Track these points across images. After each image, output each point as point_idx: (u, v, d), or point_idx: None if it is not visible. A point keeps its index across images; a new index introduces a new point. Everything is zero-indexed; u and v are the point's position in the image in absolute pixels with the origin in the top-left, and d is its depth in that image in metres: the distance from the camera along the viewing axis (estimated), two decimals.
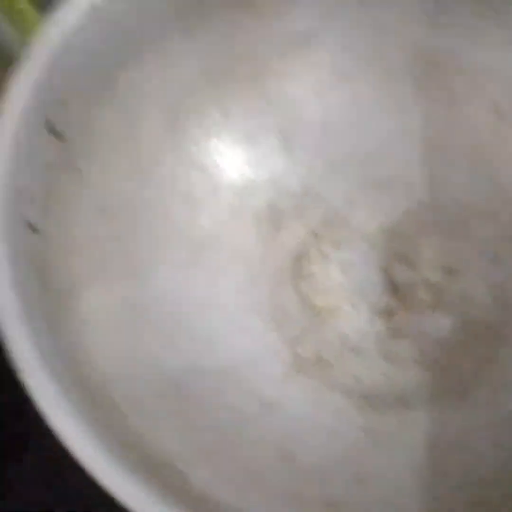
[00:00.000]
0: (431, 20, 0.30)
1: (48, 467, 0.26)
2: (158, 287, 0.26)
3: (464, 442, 0.23)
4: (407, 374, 0.26)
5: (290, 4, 0.30)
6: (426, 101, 0.31)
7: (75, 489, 0.24)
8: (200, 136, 0.29)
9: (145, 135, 0.27)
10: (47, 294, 0.20)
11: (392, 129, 0.31)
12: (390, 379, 0.26)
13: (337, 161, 0.31)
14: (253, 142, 0.30)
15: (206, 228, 0.29)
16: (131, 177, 0.26)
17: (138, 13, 0.25)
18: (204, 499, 0.18)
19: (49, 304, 0.19)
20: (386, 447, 0.24)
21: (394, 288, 0.29)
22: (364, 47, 0.31)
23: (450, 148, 0.31)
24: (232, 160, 0.30)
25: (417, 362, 0.26)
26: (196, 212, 0.29)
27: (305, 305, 0.28)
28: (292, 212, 0.30)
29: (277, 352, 0.27)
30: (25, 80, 0.21)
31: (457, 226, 0.30)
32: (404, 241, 0.30)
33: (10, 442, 0.27)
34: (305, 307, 0.28)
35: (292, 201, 0.30)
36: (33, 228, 0.21)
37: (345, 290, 0.29)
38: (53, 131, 0.22)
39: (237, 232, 0.29)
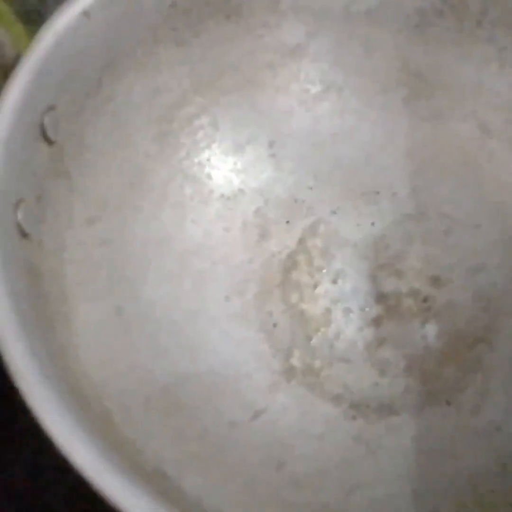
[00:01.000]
0: (417, 36, 0.30)
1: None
2: (148, 295, 0.26)
3: (449, 448, 0.23)
4: (395, 381, 0.26)
5: (278, 17, 0.30)
6: (412, 114, 0.31)
7: None
8: (191, 147, 0.30)
9: (135, 144, 0.27)
10: (39, 300, 0.20)
11: (378, 140, 0.31)
12: (379, 387, 0.26)
13: (324, 171, 0.31)
14: (242, 153, 0.31)
15: (195, 236, 0.29)
16: (121, 185, 0.26)
17: (129, 21, 0.25)
18: (199, 505, 0.18)
19: (41, 309, 0.19)
20: (376, 455, 0.24)
21: (381, 297, 0.29)
22: (352, 60, 0.31)
23: (436, 161, 0.31)
24: (221, 170, 0.30)
25: (405, 370, 0.27)
26: (185, 221, 0.29)
27: (294, 314, 0.28)
28: (280, 221, 0.30)
29: (267, 361, 0.27)
30: (18, 85, 0.21)
31: (442, 236, 0.30)
32: (391, 250, 0.30)
33: None
34: (294, 316, 0.28)
35: (280, 210, 0.30)
36: (23, 233, 0.20)
37: (334, 299, 0.29)
38: (44, 136, 0.22)
39: (225, 240, 0.29)
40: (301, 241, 0.30)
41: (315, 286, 0.29)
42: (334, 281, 0.29)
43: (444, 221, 0.30)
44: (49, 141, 0.23)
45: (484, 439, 0.24)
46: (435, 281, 0.29)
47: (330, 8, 0.29)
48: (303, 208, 0.31)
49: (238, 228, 0.30)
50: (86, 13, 0.23)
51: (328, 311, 0.29)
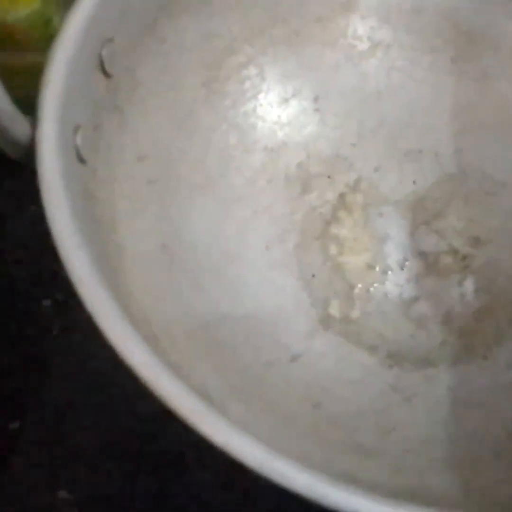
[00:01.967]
0: None
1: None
2: (191, 235, 0.26)
3: (484, 400, 0.23)
4: (432, 335, 0.27)
5: None
6: (459, 74, 0.31)
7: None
8: (237, 96, 0.30)
9: (185, 88, 0.28)
10: (94, 224, 0.20)
11: (424, 100, 0.31)
12: (416, 339, 0.26)
13: (368, 128, 0.31)
14: (287, 105, 0.31)
15: (237, 184, 0.29)
16: (169, 127, 0.27)
17: None
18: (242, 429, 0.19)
19: (95, 231, 0.20)
20: (411, 402, 0.24)
21: (420, 254, 0.29)
22: (401, 18, 0.31)
23: (481, 122, 0.31)
24: (265, 121, 0.30)
25: (442, 324, 0.27)
26: (229, 168, 0.29)
27: (332, 266, 0.29)
28: (322, 176, 0.30)
29: (305, 308, 0.27)
30: (80, 13, 0.21)
31: (485, 197, 0.30)
32: (432, 209, 0.30)
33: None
34: (332, 268, 0.29)
35: (322, 164, 0.30)
36: (81, 158, 0.21)
37: (373, 253, 0.29)
38: (102, 68, 0.22)
39: (267, 191, 0.29)
40: (342, 196, 0.30)
41: (354, 240, 0.29)
42: (374, 237, 0.29)
43: (486, 182, 0.30)
44: (106, 74, 0.23)
45: None
46: (475, 241, 0.29)
47: None
48: (345, 164, 0.31)
49: (281, 180, 0.30)
50: None
51: (367, 265, 0.29)
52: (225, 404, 0.20)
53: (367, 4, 0.31)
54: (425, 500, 0.19)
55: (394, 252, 0.29)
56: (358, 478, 0.19)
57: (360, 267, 0.29)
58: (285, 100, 0.31)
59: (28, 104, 0.21)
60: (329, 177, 0.31)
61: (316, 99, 0.31)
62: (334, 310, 0.27)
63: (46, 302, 0.30)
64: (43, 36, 0.29)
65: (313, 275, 0.28)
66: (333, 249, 0.29)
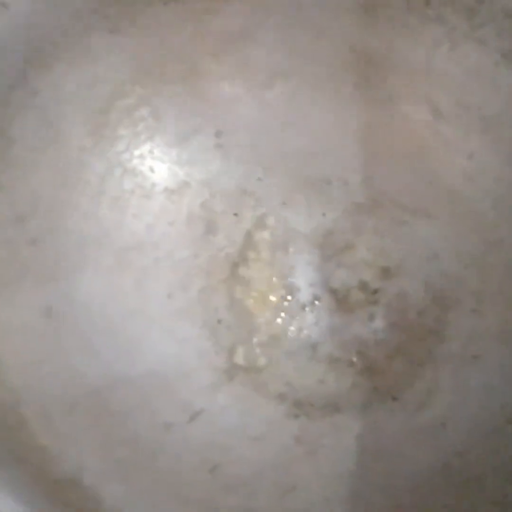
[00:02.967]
0: (366, 19, 0.29)
1: None
2: (82, 295, 0.25)
3: (392, 446, 0.22)
4: (341, 378, 0.26)
5: (221, 1, 0.29)
6: (364, 100, 0.30)
7: None
8: (131, 139, 0.29)
9: (68, 138, 0.26)
10: None
11: (329, 128, 0.30)
12: (324, 384, 0.26)
13: (273, 161, 0.30)
14: (187, 144, 0.30)
15: (136, 231, 0.28)
16: (53, 181, 0.25)
17: (53, 10, 0.24)
18: None
19: None
20: (316, 455, 0.23)
21: (330, 290, 0.28)
22: (300, 45, 0.30)
23: (388, 148, 0.30)
24: (164, 162, 0.29)
25: (352, 366, 0.26)
26: (125, 216, 0.28)
27: (240, 310, 0.28)
28: (228, 214, 0.29)
29: (209, 359, 0.26)
30: None
31: (394, 226, 0.29)
32: (342, 242, 0.29)
33: None
34: (240, 313, 0.28)
35: (227, 202, 0.30)
36: None
37: (281, 294, 0.28)
38: None
39: (169, 235, 0.28)
40: (249, 234, 0.29)
41: (262, 281, 0.28)
42: (282, 275, 0.28)
43: (396, 210, 0.29)
44: None
45: (428, 437, 0.23)
46: (386, 272, 0.28)
47: None
48: (251, 200, 0.30)
49: (183, 222, 0.29)
50: (3, 4, 0.22)
51: (275, 306, 0.28)
52: (100, 487, 0.19)
53: (262, 35, 0.30)
54: None
55: (303, 291, 0.28)
56: None
57: (268, 308, 0.28)
58: (185, 138, 0.30)
59: None
60: (235, 214, 0.30)
61: (217, 134, 0.30)
62: (240, 358, 0.26)
63: None
64: None
65: (219, 321, 0.27)
66: (239, 292, 0.28)
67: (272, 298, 0.28)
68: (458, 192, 0.29)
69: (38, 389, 0.21)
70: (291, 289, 0.28)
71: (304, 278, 0.29)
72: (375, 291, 0.28)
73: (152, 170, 0.29)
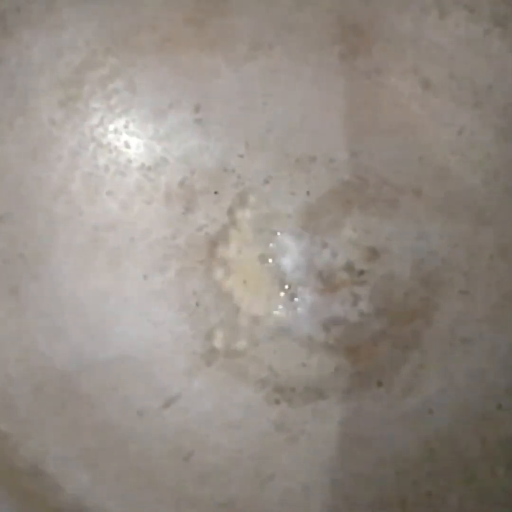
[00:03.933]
0: None
1: None
2: (51, 274, 0.24)
3: (376, 433, 0.21)
4: (324, 362, 0.24)
5: None
6: (349, 72, 0.29)
7: None
8: (105, 113, 0.27)
9: (38, 110, 0.25)
10: None
11: (314, 102, 0.29)
12: (306, 368, 0.24)
13: (255, 137, 0.29)
14: (164, 118, 0.28)
15: (110, 210, 0.27)
16: (20, 155, 0.24)
17: None
18: (74, 507, 0.17)
19: None
20: (297, 442, 0.22)
21: (315, 271, 0.27)
22: (283, 14, 0.29)
23: (376, 122, 0.29)
24: (140, 137, 0.28)
25: (335, 349, 0.25)
26: (99, 194, 0.26)
27: (218, 291, 0.26)
28: (208, 192, 0.28)
29: (186, 343, 0.25)
30: None
31: (381, 204, 0.28)
32: (327, 221, 0.28)
33: None
34: (219, 295, 0.26)
35: (207, 180, 0.28)
36: None
37: (262, 275, 0.27)
38: None
39: (145, 214, 0.27)
40: (230, 213, 0.28)
41: (243, 262, 0.27)
42: (264, 256, 0.27)
43: (384, 187, 0.28)
44: None
45: (414, 423, 0.22)
46: (372, 253, 0.27)
47: None
48: (233, 178, 0.28)
49: (161, 200, 0.28)
50: None
51: (256, 288, 0.27)
52: (62, 476, 0.18)
53: (241, 3, 0.28)
54: None
55: (285, 272, 0.27)
56: None
57: (248, 290, 0.27)
58: (162, 112, 0.28)
59: None
60: (216, 192, 0.28)
61: (196, 108, 0.29)
62: (218, 342, 0.25)
63: None
64: None
65: (197, 304, 0.26)
66: (219, 273, 0.27)
67: (253, 280, 0.27)
68: (447, 169, 0.28)
69: (1, 375, 0.19)
70: (273, 271, 0.27)
71: (287, 259, 0.27)
72: (361, 272, 0.27)
73: (127, 145, 0.28)
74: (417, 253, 0.27)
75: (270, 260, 0.27)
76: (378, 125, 0.29)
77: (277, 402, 0.23)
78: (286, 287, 0.27)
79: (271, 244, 0.28)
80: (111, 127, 0.27)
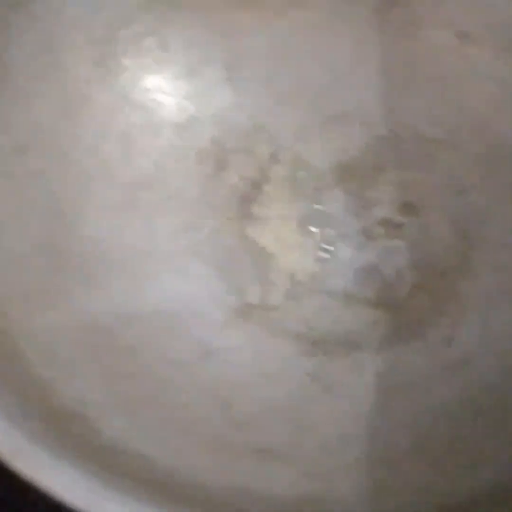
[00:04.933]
0: None
1: None
2: (88, 231, 0.24)
3: (413, 384, 0.21)
4: (361, 314, 0.24)
5: None
6: (384, 25, 0.28)
7: None
8: (137, 71, 0.27)
9: (72, 68, 0.25)
10: None
11: (346, 56, 0.28)
12: (342, 321, 0.24)
13: (287, 94, 0.28)
14: (195, 76, 0.28)
15: (143, 168, 0.27)
16: (55, 111, 0.24)
17: None
18: (114, 450, 0.17)
19: None
20: (333, 393, 0.22)
21: (350, 226, 0.26)
22: None
23: (411, 76, 0.28)
24: (173, 96, 0.28)
25: (372, 301, 0.24)
26: (132, 151, 0.27)
27: (252, 248, 0.26)
28: (239, 150, 0.28)
29: (221, 297, 0.25)
30: None
31: (420, 159, 0.27)
32: (362, 177, 0.28)
33: None
34: (253, 251, 0.26)
35: (239, 138, 0.28)
36: None
37: (296, 231, 0.26)
38: None
39: (178, 172, 0.27)
40: (262, 170, 0.28)
41: (276, 219, 0.27)
42: (298, 212, 0.27)
43: (420, 142, 0.27)
44: None
45: (453, 373, 0.22)
46: (409, 207, 0.26)
47: None
48: (264, 135, 0.28)
49: (193, 159, 0.27)
50: None
51: (290, 244, 0.26)
52: (101, 420, 0.18)
53: None
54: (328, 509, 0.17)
55: (320, 227, 0.27)
56: (251, 488, 0.17)
57: (281, 246, 0.26)
58: (194, 71, 0.28)
59: None
60: (247, 151, 0.28)
61: (228, 66, 0.28)
62: (253, 296, 0.25)
63: None
64: None
65: (231, 260, 0.26)
66: (253, 231, 0.27)
67: (287, 236, 0.27)
68: (486, 122, 0.27)
69: (39, 322, 0.20)
70: (307, 226, 0.27)
71: (322, 215, 0.27)
72: (398, 226, 0.26)
73: (159, 104, 0.28)
74: (456, 207, 0.26)
75: (305, 216, 0.27)
76: (414, 79, 0.28)
77: (313, 354, 0.23)
78: (321, 242, 0.27)
79: (304, 201, 0.27)
80: (144, 85, 0.27)
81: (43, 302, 0.20)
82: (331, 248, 0.26)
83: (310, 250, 0.26)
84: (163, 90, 0.28)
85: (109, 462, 0.17)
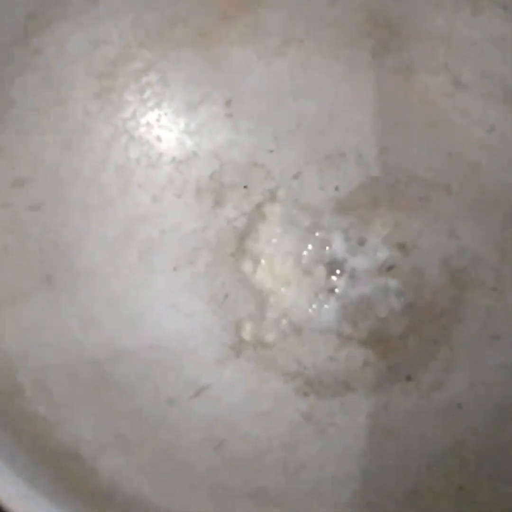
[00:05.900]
0: None
1: None
2: (84, 264, 0.24)
3: (405, 427, 0.21)
4: (353, 355, 0.25)
5: None
6: (380, 69, 0.29)
7: None
8: (137, 106, 0.28)
9: (73, 101, 0.25)
10: None
11: (344, 98, 0.29)
12: (334, 361, 0.24)
13: (285, 132, 0.29)
14: (195, 112, 0.28)
15: (142, 202, 0.27)
16: (55, 145, 0.24)
17: None
18: (110, 490, 0.17)
19: None
20: (325, 433, 0.22)
21: (342, 265, 0.27)
22: (314, 10, 0.29)
23: (406, 119, 0.29)
24: (172, 131, 0.28)
25: (364, 343, 0.25)
26: (131, 185, 0.27)
27: (247, 284, 0.26)
28: (237, 186, 0.28)
29: (216, 334, 0.25)
30: None
31: (412, 200, 0.28)
32: (356, 217, 0.28)
33: None
34: (247, 287, 0.27)
35: (237, 174, 0.28)
36: None
37: (290, 269, 0.27)
38: None
39: (176, 206, 0.27)
40: (259, 207, 0.28)
41: (271, 255, 0.27)
42: (293, 250, 0.27)
43: (413, 184, 0.28)
44: None
45: (443, 417, 0.22)
46: (401, 249, 0.27)
47: None
48: (262, 172, 0.29)
49: (191, 194, 0.28)
50: None
51: (284, 281, 0.27)
52: (97, 459, 0.18)
53: (278, 2, 0.28)
54: None
55: (313, 266, 0.27)
56: None
57: (277, 284, 0.27)
58: (193, 107, 0.29)
59: None
60: (245, 187, 0.28)
61: (227, 103, 0.29)
62: (247, 333, 0.25)
63: None
64: None
65: (226, 296, 0.26)
66: (248, 266, 0.27)
67: (282, 273, 0.27)
68: (478, 166, 0.28)
69: (36, 357, 0.20)
70: (301, 264, 0.27)
71: (315, 253, 0.28)
72: (390, 268, 0.27)
73: (159, 139, 0.28)
74: (447, 249, 0.27)
75: (299, 254, 0.27)
76: (408, 122, 0.29)
77: (305, 394, 0.23)
78: (315, 281, 0.27)
79: (299, 239, 0.28)
80: (143, 120, 0.28)
81: (40, 338, 0.20)
82: (326, 286, 0.26)
83: (305, 287, 0.26)
84: (162, 125, 0.28)
85: (105, 504, 0.17)
